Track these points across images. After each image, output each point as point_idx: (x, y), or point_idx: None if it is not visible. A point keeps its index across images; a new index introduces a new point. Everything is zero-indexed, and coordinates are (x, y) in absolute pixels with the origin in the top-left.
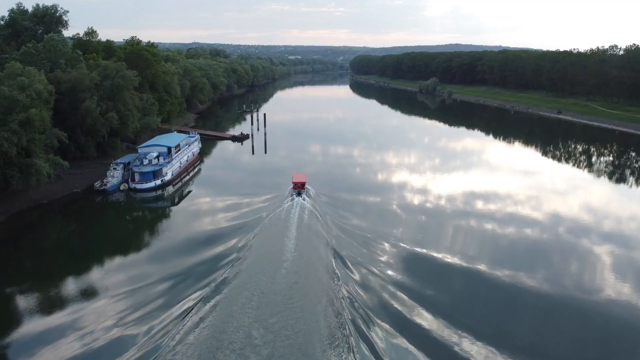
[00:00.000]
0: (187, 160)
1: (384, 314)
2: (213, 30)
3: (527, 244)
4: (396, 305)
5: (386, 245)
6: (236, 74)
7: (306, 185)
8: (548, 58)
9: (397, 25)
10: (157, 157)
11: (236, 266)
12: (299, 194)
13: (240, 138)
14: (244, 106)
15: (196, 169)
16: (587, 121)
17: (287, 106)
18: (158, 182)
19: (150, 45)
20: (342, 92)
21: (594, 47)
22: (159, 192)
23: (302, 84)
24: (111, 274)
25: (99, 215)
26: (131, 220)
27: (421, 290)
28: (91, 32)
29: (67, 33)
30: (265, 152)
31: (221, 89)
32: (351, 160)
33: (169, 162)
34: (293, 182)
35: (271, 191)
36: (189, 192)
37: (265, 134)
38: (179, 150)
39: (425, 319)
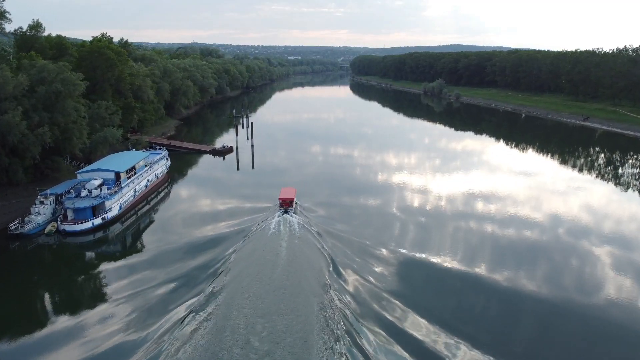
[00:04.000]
0: (146, 186)
1: (378, 322)
2: (213, 30)
3: (535, 255)
4: (391, 312)
5: (384, 251)
6: (229, 75)
7: (295, 201)
8: (567, 58)
9: (398, 25)
10: (100, 186)
11: (221, 282)
12: (285, 212)
13: (223, 152)
14: (234, 111)
15: (161, 195)
16: (619, 129)
17: (285, 108)
18: (98, 220)
19: (124, 43)
20: (342, 93)
21: (621, 46)
22: (100, 234)
23: (301, 84)
24: None
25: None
26: (53, 280)
27: (418, 296)
28: (36, 26)
29: (9, 27)
30: (253, 167)
31: (211, 92)
32: (350, 162)
33: (115, 192)
34: (279, 199)
35: (257, 214)
36: (149, 225)
37: (252, 146)
38: (134, 174)
39: (421, 326)
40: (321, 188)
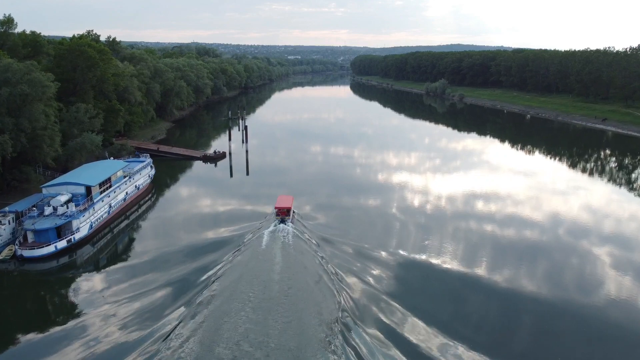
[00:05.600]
0: (124, 200)
1: (376, 324)
2: (214, 30)
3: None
4: (389, 314)
5: (383, 253)
6: (226, 75)
7: (292, 210)
8: (576, 58)
9: (398, 25)
10: (67, 202)
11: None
12: (282, 221)
13: (214, 158)
14: (230, 113)
15: (143, 208)
16: (635, 132)
17: (284, 108)
18: (62, 243)
19: (112, 41)
20: (343, 93)
21: (635, 45)
22: (65, 259)
23: (301, 84)
24: None
25: None
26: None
27: (416, 298)
28: (8, 21)
29: None
30: (248, 174)
31: (206, 93)
32: (350, 162)
33: (85, 209)
34: (276, 208)
35: (253, 221)
36: (127, 245)
37: (247, 151)
38: (109, 187)
39: (420, 328)
40: (320, 190)
